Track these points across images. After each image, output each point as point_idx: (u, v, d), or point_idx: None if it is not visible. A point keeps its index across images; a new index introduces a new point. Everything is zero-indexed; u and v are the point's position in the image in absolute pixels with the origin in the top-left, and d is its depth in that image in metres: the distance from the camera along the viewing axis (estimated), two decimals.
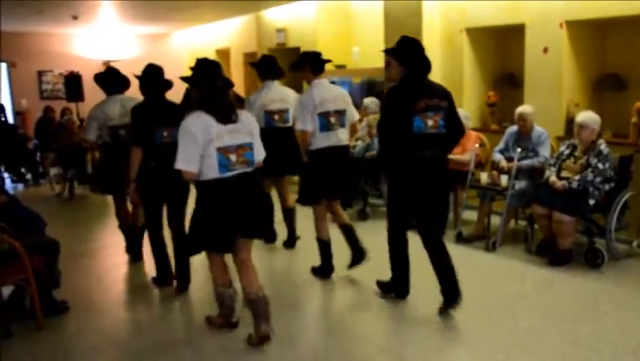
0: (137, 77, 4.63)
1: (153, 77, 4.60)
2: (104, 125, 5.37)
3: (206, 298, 4.45)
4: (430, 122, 3.93)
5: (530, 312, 4.14)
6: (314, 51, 4.94)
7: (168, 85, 4.67)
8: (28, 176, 10.34)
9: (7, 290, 4.25)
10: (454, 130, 4.12)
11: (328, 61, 4.92)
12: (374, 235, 5.16)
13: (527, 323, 3.96)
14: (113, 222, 6.00)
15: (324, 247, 4.91)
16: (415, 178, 4.00)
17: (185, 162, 3.43)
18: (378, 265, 4.63)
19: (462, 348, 3.68)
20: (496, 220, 5.81)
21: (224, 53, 12.81)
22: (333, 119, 4.69)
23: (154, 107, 4.56)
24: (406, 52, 3.99)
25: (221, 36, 12.63)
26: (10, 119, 12.41)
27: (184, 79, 3.67)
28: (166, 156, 3.95)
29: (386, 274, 4.41)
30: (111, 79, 5.56)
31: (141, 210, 5.12)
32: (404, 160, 3.98)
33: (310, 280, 4.92)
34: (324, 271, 4.95)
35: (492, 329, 3.88)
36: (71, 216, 7.42)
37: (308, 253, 5.33)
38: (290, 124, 5.53)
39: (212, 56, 12.79)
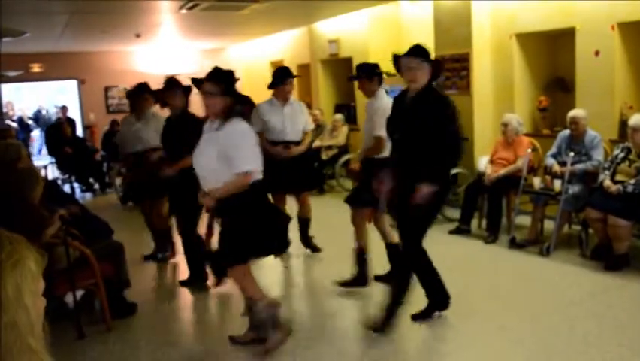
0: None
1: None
2: None
3: None
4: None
5: (586, 318, 4.08)
6: (376, 63, 4.90)
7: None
8: (96, 186, 10.86)
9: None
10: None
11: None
12: None
13: (583, 328, 3.91)
14: (175, 230, 6.24)
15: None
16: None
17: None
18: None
19: (517, 353, 3.66)
20: (549, 225, 5.78)
21: (278, 65, 13.04)
22: None
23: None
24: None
25: (275, 48, 12.90)
26: (80, 133, 13.12)
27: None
28: None
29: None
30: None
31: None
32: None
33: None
34: (355, 281, 4.83)
35: (547, 334, 3.86)
36: (136, 224, 7.74)
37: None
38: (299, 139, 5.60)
39: (266, 67, 13.12)
